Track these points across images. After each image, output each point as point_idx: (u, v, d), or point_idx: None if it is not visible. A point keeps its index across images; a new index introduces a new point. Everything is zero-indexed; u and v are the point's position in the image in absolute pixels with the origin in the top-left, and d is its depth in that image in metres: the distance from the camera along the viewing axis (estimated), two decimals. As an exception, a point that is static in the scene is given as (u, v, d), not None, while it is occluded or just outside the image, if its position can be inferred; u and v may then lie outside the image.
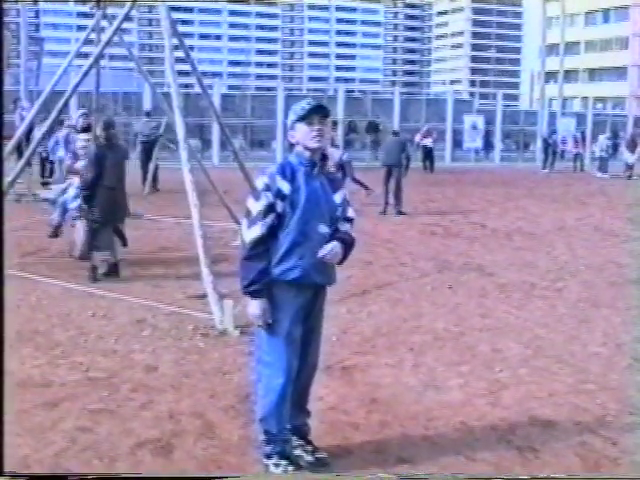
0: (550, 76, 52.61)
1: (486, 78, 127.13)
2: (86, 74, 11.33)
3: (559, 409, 5.26)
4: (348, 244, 4.22)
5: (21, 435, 4.57)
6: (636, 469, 4.43)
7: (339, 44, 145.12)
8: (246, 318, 4.14)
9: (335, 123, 34.39)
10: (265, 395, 4.22)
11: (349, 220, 4.31)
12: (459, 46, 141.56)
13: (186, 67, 11.48)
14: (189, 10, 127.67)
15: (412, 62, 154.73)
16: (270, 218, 4.04)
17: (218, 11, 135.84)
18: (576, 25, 76.47)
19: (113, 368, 5.94)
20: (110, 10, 12.12)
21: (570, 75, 68.12)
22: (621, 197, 21.27)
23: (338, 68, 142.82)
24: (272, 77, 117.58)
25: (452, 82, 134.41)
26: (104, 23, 11.89)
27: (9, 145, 11.64)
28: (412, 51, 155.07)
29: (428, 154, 31.10)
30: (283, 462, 4.20)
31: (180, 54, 10.74)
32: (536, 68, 54.32)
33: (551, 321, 7.68)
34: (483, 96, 63.76)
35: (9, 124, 17.76)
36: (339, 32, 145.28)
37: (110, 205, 9.14)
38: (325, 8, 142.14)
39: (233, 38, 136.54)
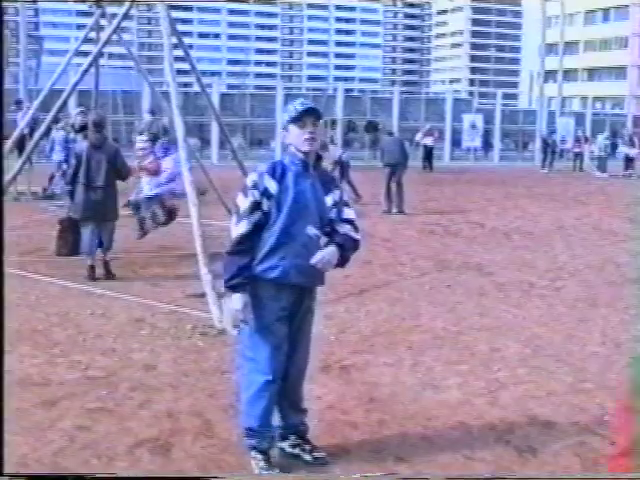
0: (549, 75, 52.58)
1: (485, 77, 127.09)
2: (85, 73, 11.34)
3: (558, 408, 5.26)
4: (347, 248, 4.19)
5: (20, 434, 4.57)
6: (635, 469, 4.43)
7: (338, 43, 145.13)
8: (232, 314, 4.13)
9: (334, 122, 34.42)
10: (246, 390, 4.25)
11: (348, 221, 4.26)
12: (458, 45, 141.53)
13: (185, 66, 11.49)
14: (188, 9, 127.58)
15: (411, 61, 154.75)
16: (256, 215, 4.05)
17: (217, 10, 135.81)
18: (575, 24, 76.43)
19: (112, 367, 5.94)
20: (109, 9, 12.14)
21: (569, 74, 68.06)
22: (620, 196, 21.28)
23: (337, 67, 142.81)
24: (271, 76, 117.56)
25: (451, 81, 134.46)
26: (103, 22, 11.90)
27: (8, 143, 11.65)
28: (411, 50, 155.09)
29: (428, 153, 31.09)
30: (259, 457, 4.22)
31: (179, 53, 10.75)
32: (535, 67, 54.22)
33: (550, 320, 7.69)
34: (482, 95, 63.70)
35: (10, 123, 17.77)
36: (338, 31, 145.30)
37: (90, 204, 9.13)
38: (324, 7, 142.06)
39: (232, 37, 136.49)
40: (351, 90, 71.54)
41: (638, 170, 30.10)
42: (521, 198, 20.34)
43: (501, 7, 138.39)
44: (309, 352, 4.39)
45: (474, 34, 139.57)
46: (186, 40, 12.51)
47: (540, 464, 4.42)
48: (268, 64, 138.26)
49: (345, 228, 4.23)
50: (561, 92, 46.77)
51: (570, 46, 68.06)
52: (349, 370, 5.99)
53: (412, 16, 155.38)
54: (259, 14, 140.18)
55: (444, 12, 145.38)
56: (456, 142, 38.19)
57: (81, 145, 9.50)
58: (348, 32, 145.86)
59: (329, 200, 4.19)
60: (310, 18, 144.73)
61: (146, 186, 10.33)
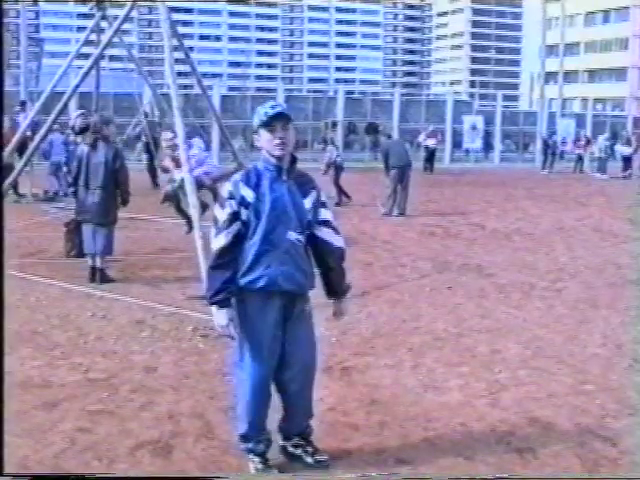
0: (550, 77, 52.57)
1: (486, 79, 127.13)
2: (86, 75, 11.35)
3: (558, 410, 5.26)
4: (343, 274, 4.33)
5: (20, 436, 4.57)
6: (636, 470, 4.44)
7: (339, 45, 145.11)
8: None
9: (335, 124, 34.41)
10: (239, 397, 4.28)
11: (325, 222, 4.23)
12: (459, 47, 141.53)
13: (186, 68, 11.51)
14: (189, 11, 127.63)
15: (412, 63, 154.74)
16: (235, 226, 4.02)
17: (218, 12, 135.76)
18: (576, 26, 76.44)
19: (112, 369, 5.94)
20: (110, 11, 12.15)
21: (570, 76, 68.07)
22: (620, 198, 21.26)
23: (338, 69, 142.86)
24: (272, 78, 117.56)
25: (452, 83, 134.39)
26: (104, 24, 11.92)
27: (10, 146, 11.66)
28: (412, 52, 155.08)
29: (430, 155, 31.09)
30: (256, 459, 4.25)
31: (180, 55, 10.76)
32: (536, 69, 54.23)
33: (550, 322, 7.68)
34: (483, 97, 63.82)
35: (14, 124, 17.77)
36: (339, 33, 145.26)
37: (87, 206, 9.14)
38: (325, 9, 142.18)
39: (233, 39, 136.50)
40: (352, 92, 71.52)
41: (636, 170, 30.10)
42: (522, 199, 20.34)
43: (501, 9, 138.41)
44: (314, 355, 4.34)
45: (474, 36, 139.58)
46: (187, 42, 12.52)
47: (541, 465, 4.42)
48: (269, 66, 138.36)
49: (323, 232, 4.22)
50: (561, 93, 46.82)
51: (570, 47, 68.14)
52: (350, 372, 5.99)
53: (412, 18, 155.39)
54: (260, 16, 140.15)
55: (444, 14, 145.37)
56: (457, 144, 38.16)
57: (82, 147, 9.50)
58: (348, 34, 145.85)
59: (307, 203, 4.14)
60: (311, 20, 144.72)
61: (178, 175, 10.37)
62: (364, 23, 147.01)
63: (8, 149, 11.77)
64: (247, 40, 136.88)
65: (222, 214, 4.04)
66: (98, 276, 9.02)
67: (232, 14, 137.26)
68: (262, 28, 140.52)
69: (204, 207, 10.28)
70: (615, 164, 31.82)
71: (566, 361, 6.37)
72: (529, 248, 12.31)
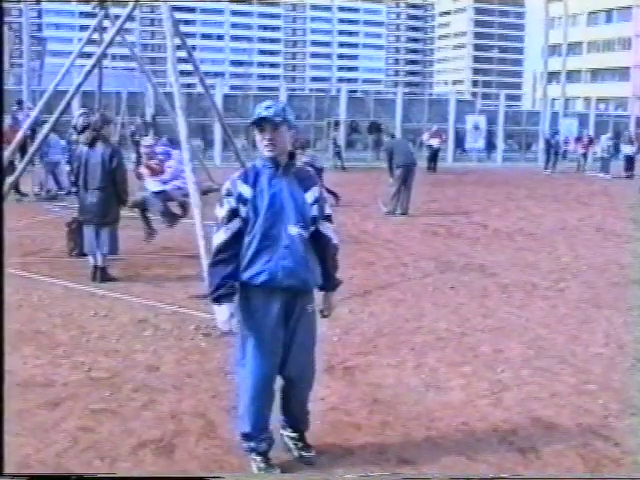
0: (552, 76, 52.58)
1: (488, 78, 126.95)
2: (89, 74, 11.36)
3: (561, 410, 5.25)
4: (337, 272, 4.36)
5: (23, 435, 4.57)
6: (638, 470, 4.43)
7: (341, 44, 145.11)
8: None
9: (337, 123, 34.40)
10: (241, 395, 4.29)
11: (328, 218, 4.26)
12: (461, 46, 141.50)
13: (188, 67, 11.52)
14: (191, 10, 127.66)
15: (414, 62, 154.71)
16: (234, 223, 4.05)
17: (220, 11, 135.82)
18: (578, 25, 76.36)
19: (115, 368, 5.94)
20: (112, 10, 12.16)
21: (572, 75, 68.06)
22: (623, 197, 21.25)
23: (340, 68, 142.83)
24: (274, 77, 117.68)
25: (454, 82, 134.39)
26: (106, 23, 11.94)
27: (11, 146, 11.67)
28: (414, 51, 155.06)
29: (434, 154, 31.08)
30: (258, 458, 4.26)
31: (182, 54, 10.76)
32: (538, 68, 54.25)
33: (553, 322, 7.68)
34: (485, 96, 63.61)
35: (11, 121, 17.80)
36: (341, 32, 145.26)
37: (87, 207, 9.14)
38: (327, 8, 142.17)
39: (235, 38, 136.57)
40: (354, 91, 71.42)
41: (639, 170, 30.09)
42: (524, 199, 20.33)
43: (504, 8, 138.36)
44: (313, 354, 4.36)
45: (477, 35, 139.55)
46: (189, 41, 12.52)
47: (543, 465, 4.41)
48: (271, 65, 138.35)
49: (325, 227, 4.25)
50: (564, 93, 46.76)
51: (573, 47, 68.09)
52: (352, 371, 5.99)
53: (415, 17, 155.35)
54: (262, 15, 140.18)
55: (447, 13, 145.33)
56: (459, 143, 38.13)
57: (81, 147, 9.50)
58: (351, 33, 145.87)
59: (309, 197, 4.16)
60: (313, 19, 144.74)
61: (151, 184, 10.38)
62: (367, 22, 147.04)
63: (10, 148, 11.78)
64: (249, 39, 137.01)
65: (221, 212, 4.08)
66: (99, 275, 9.02)
67: (234, 13, 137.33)
68: (264, 27, 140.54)
69: (174, 217, 10.28)
70: (618, 164, 31.78)
71: (569, 361, 6.37)
72: (532, 248, 12.30)
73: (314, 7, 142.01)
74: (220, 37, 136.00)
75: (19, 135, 12.21)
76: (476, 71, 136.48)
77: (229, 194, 4.07)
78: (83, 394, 5.34)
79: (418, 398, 5.42)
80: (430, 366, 6.16)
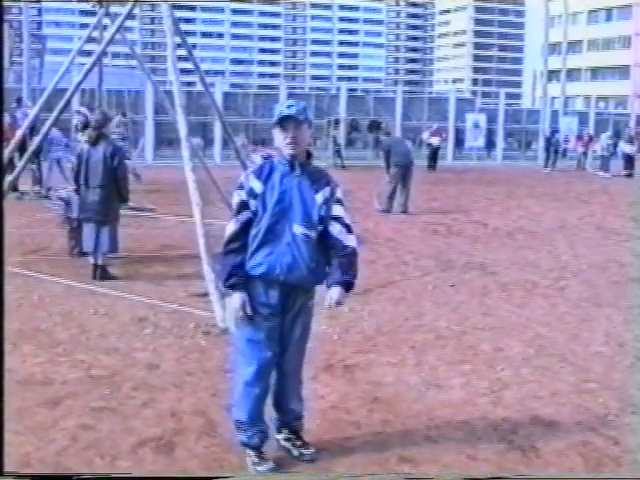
0: (552, 75, 52.55)
1: (488, 77, 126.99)
2: (89, 72, 11.35)
3: (561, 408, 5.25)
4: (350, 275, 4.27)
5: (22, 433, 4.57)
6: (638, 468, 4.43)
7: (341, 43, 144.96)
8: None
9: (337, 122, 34.39)
10: (237, 382, 4.35)
11: (337, 219, 4.23)
12: (461, 45, 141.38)
13: (188, 65, 11.50)
14: (191, 8, 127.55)
15: (414, 61, 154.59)
16: (244, 215, 4.17)
17: (220, 9, 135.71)
18: (579, 24, 76.34)
19: (115, 366, 5.94)
20: (112, 8, 12.14)
21: (572, 74, 68.03)
22: (623, 196, 21.24)
23: (340, 67, 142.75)
24: (274, 76, 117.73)
25: (454, 81, 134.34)
26: (106, 21, 11.92)
27: (11, 144, 11.66)
28: (414, 50, 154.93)
29: (434, 153, 31.07)
30: (252, 453, 4.29)
31: (182, 52, 10.74)
32: (538, 67, 54.24)
33: (553, 320, 7.68)
34: (485, 95, 63.79)
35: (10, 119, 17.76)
36: (341, 31, 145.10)
37: (88, 205, 9.12)
38: (327, 7, 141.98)
39: (235, 36, 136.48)
40: (354, 89, 71.50)
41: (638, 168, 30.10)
42: (524, 198, 20.32)
43: (504, 7, 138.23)
44: (304, 351, 4.42)
45: (477, 34, 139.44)
46: (189, 39, 12.51)
47: (543, 464, 4.41)
48: (271, 64, 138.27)
49: (333, 227, 4.21)
50: (564, 91, 46.73)
51: (573, 45, 68.01)
52: (352, 369, 5.99)
53: (415, 16, 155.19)
54: (262, 14, 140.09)
55: (447, 12, 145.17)
56: (459, 142, 38.12)
57: (82, 145, 9.48)
58: (351, 32, 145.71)
59: (319, 198, 4.19)
60: (313, 18, 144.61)
61: None
62: (367, 21, 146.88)
63: (10, 147, 11.78)
64: (250, 38, 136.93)
65: (234, 202, 4.24)
66: (98, 273, 9.02)
67: (235, 11, 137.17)
68: (265, 26, 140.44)
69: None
70: (618, 162, 31.77)
71: (569, 359, 6.37)
72: (532, 246, 12.30)
73: (314, 5, 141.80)
74: (220, 35, 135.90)
75: (19, 134, 12.20)
76: (476, 69, 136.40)
77: (241, 187, 4.20)
78: (83, 392, 5.34)
79: (418, 396, 5.42)
80: (430, 364, 6.16)
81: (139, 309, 7.69)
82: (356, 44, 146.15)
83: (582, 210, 17.63)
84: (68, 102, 11.62)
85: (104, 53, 11.67)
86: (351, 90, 43.79)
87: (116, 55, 28.21)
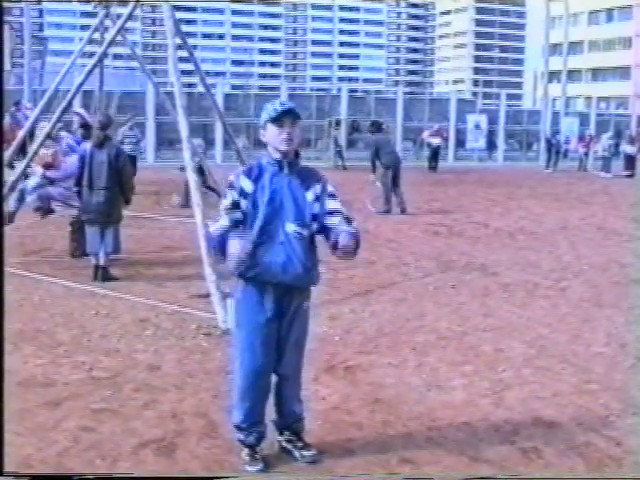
0: (553, 76, 52.57)
1: (489, 78, 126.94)
2: (90, 73, 11.33)
3: (562, 409, 5.25)
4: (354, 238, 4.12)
5: (24, 434, 4.57)
6: (639, 470, 4.43)
7: (342, 44, 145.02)
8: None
9: (338, 122, 34.40)
10: (235, 387, 4.36)
11: (333, 212, 4.21)
12: (462, 46, 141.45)
13: (189, 66, 11.48)
14: (192, 9, 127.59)
15: (415, 62, 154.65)
16: (235, 214, 4.13)
17: (221, 11, 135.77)
18: (579, 25, 76.32)
19: (116, 367, 5.94)
20: (113, 9, 12.14)
21: (573, 75, 68.01)
22: (624, 196, 21.22)
23: (341, 67, 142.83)
24: (275, 76, 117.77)
25: (455, 82, 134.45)
26: (107, 22, 11.90)
27: (12, 146, 11.65)
28: (415, 51, 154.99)
29: (434, 153, 31.08)
30: (245, 451, 4.31)
31: (183, 53, 10.73)
32: (539, 68, 54.23)
33: (554, 321, 7.67)
34: (486, 96, 63.57)
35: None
36: (342, 32, 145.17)
37: (92, 207, 9.09)
38: (328, 8, 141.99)
39: (236, 37, 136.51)
40: (355, 90, 71.42)
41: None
42: (525, 198, 20.33)
43: (505, 8, 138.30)
44: (303, 352, 4.42)
45: (478, 35, 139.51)
46: (190, 41, 12.50)
47: (545, 465, 4.41)
48: (272, 64, 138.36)
49: (334, 220, 4.19)
50: (565, 92, 46.73)
51: (574, 46, 67.97)
52: (354, 371, 5.98)
53: (416, 17, 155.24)
54: (263, 15, 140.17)
55: (448, 13, 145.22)
56: (460, 142, 38.13)
57: (84, 146, 9.46)
58: (352, 33, 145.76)
59: (310, 196, 4.20)
60: (314, 19, 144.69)
61: (33, 179, 9.98)
62: (367, 22, 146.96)
63: (11, 149, 11.77)
64: (250, 38, 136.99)
65: (224, 202, 4.21)
66: (100, 274, 9.01)
67: (235, 12, 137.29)
68: (265, 26, 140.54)
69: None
70: (619, 163, 31.77)
71: (570, 360, 6.36)
72: (533, 247, 12.29)
73: (315, 6, 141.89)
74: (221, 36, 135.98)
75: (20, 135, 12.19)
76: (477, 70, 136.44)
77: (232, 186, 4.17)
78: (84, 394, 5.34)
79: (419, 398, 5.41)
80: (431, 365, 6.16)
81: (140, 310, 7.69)
82: (357, 45, 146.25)
83: (583, 211, 17.63)
84: (69, 104, 11.61)
85: (105, 54, 11.66)
86: (352, 91, 43.82)
87: (118, 56, 28.18)
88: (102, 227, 9.08)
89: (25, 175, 10.15)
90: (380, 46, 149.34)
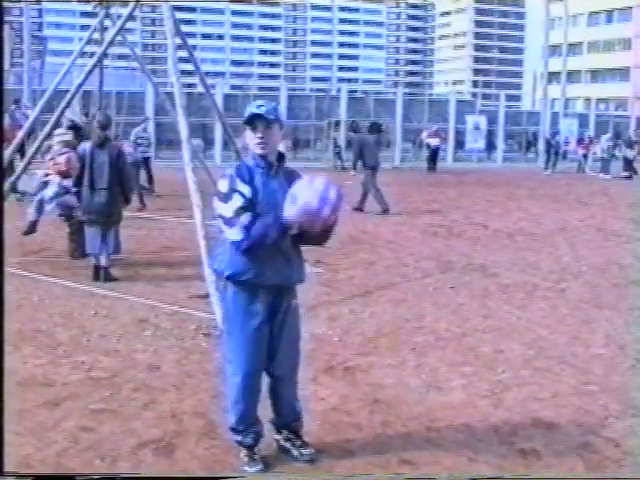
0: (553, 77, 52.60)
1: (488, 79, 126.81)
2: (89, 73, 11.35)
3: (561, 410, 5.25)
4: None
5: (23, 434, 4.57)
6: (639, 471, 4.43)
7: (342, 44, 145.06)
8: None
9: (338, 123, 34.38)
10: (228, 391, 4.34)
11: None
12: (462, 47, 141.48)
13: (189, 67, 11.51)
14: (192, 10, 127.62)
15: (415, 62, 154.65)
16: (245, 218, 4.00)
17: (221, 11, 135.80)
18: (579, 26, 76.33)
19: (115, 368, 5.94)
20: (113, 9, 12.15)
21: (573, 76, 68.03)
22: (623, 198, 21.24)
23: (341, 68, 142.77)
24: (275, 77, 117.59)
25: (454, 83, 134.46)
26: (107, 22, 11.92)
27: (11, 146, 11.66)
28: (415, 51, 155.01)
29: (433, 154, 31.07)
30: (243, 452, 4.31)
31: (183, 54, 10.74)
32: (539, 69, 54.27)
33: (553, 322, 7.68)
34: (485, 97, 63.73)
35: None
36: (342, 32, 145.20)
37: (94, 207, 9.06)
38: (328, 8, 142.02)
39: (236, 38, 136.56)
40: (354, 91, 71.39)
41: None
42: (524, 199, 20.33)
43: (504, 8, 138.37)
44: (298, 351, 4.43)
45: (477, 35, 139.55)
46: (190, 41, 12.51)
47: (544, 466, 4.41)
48: (272, 65, 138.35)
49: None
50: (564, 93, 46.77)
51: (573, 47, 68.06)
52: (353, 371, 5.99)
53: (415, 17, 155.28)
54: (263, 15, 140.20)
55: (447, 14, 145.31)
56: (459, 143, 38.12)
57: (84, 146, 9.43)
58: (351, 33, 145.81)
59: None
60: (314, 19, 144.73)
61: (52, 187, 9.95)
62: (367, 22, 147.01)
63: (11, 148, 11.78)
64: (250, 39, 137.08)
65: (228, 208, 4.04)
66: (102, 274, 9.00)
67: (235, 13, 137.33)
68: (265, 27, 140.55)
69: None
70: (618, 164, 31.77)
71: (569, 361, 6.37)
72: (532, 248, 12.29)
73: (314, 7, 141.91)
74: (221, 37, 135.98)
75: (20, 134, 12.20)
76: (476, 71, 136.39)
77: (234, 190, 4.05)
78: (83, 394, 5.34)
79: (419, 398, 5.41)
80: (431, 366, 6.16)
81: (140, 310, 7.69)
82: (356, 46, 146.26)
83: (582, 212, 17.63)
84: (69, 104, 11.62)
85: (105, 54, 11.67)
86: (351, 92, 43.78)
87: (117, 56, 28.18)
88: (103, 227, 9.06)
89: (44, 182, 10.12)
90: (380, 47, 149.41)
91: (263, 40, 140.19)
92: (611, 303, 8.53)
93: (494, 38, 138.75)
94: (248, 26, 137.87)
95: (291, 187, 4.04)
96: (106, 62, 13.96)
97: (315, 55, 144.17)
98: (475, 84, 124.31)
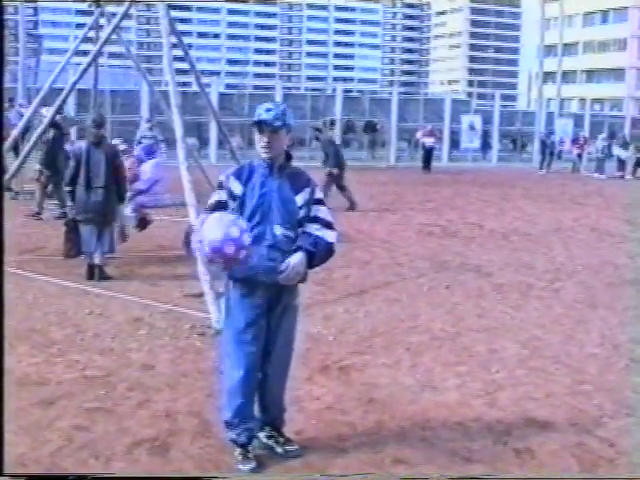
0: (548, 77, 52.60)
1: (484, 78, 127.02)
2: (84, 72, 11.34)
3: (556, 410, 5.26)
4: (318, 252, 4.20)
5: (17, 433, 4.56)
6: (633, 470, 4.44)
7: (337, 43, 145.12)
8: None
9: (333, 122, 34.37)
10: (224, 385, 4.36)
11: (316, 219, 4.25)
12: (457, 46, 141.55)
13: (184, 65, 11.49)
14: (187, 9, 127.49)
15: (410, 62, 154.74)
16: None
17: (217, 10, 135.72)
18: (574, 26, 76.45)
19: (110, 366, 5.94)
20: (109, 8, 12.14)
21: (568, 76, 68.08)
22: (617, 198, 21.28)
23: (336, 67, 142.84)
24: (270, 76, 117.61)
25: (450, 82, 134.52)
26: (102, 21, 11.91)
27: (6, 144, 11.65)
28: (410, 51, 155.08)
29: (428, 154, 31.06)
30: (237, 450, 4.31)
31: (178, 52, 10.73)
32: (534, 69, 54.25)
33: (548, 322, 7.69)
34: (481, 96, 63.60)
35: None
36: (337, 32, 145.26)
37: (90, 206, 9.01)
38: (324, 7, 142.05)
39: (231, 37, 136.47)
40: (350, 90, 71.45)
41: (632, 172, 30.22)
42: (519, 199, 20.34)
43: (500, 8, 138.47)
44: (291, 350, 4.45)
45: (473, 35, 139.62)
46: (185, 39, 12.51)
47: (538, 465, 4.42)
48: (267, 64, 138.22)
49: (312, 228, 4.23)
50: (560, 93, 46.80)
51: (569, 47, 68.11)
52: (348, 371, 5.99)
53: (411, 17, 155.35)
54: (258, 14, 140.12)
55: (443, 13, 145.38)
56: (454, 143, 38.12)
57: (79, 145, 9.42)
58: (347, 32, 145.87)
59: (299, 200, 4.22)
60: (309, 18, 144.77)
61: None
62: (363, 22, 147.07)
63: (5, 146, 11.76)
64: (246, 38, 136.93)
65: (210, 200, 4.26)
66: (97, 273, 8.99)
67: (231, 12, 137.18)
68: (261, 26, 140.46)
69: (124, 237, 10.08)
70: (613, 164, 31.82)
71: (563, 361, 6.38)
72: (527, 248, 12.31)
73: (310, 6, 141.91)
74: (216, 36, 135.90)
75: (14, 133, 12.19)
76: (472, 71, 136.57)
77: (221, 187, 4.22)
78: (78, 393, 5.33)
79: (413, 398, 5.42)
80: (425, 366, 6.17)
81: (134, 309, 7.68)
82: (352, 45, 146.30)
83: (577, 212, 17.65)
84: (64, 101, 11.61)
85: (100, 53, 11.66)
86: (347, 91, 43.82)
87: (112, 55, 28.13)
88: (99, 226, 9.05)
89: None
90: (375, 46, 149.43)
91: (259, 39, 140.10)
92: (605, 303, 8.55)
93: (490, 38, 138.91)
94: (244, 25, 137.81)
95: (291, 187, 4.17)
96: (101, 60, 13.93)
97: (311, 54, 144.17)
98: (470, 84, 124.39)
